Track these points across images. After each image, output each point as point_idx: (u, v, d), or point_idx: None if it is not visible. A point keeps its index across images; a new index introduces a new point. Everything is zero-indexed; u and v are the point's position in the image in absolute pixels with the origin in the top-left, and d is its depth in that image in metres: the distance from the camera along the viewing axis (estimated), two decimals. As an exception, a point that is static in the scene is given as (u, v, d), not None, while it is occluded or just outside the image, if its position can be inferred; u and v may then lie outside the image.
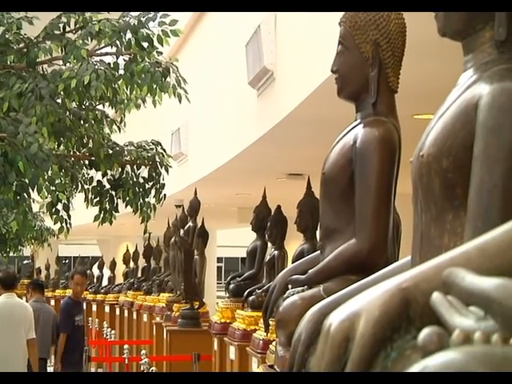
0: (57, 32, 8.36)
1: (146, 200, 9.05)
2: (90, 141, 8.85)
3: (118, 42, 8.12)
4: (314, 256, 3.47)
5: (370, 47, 3.14)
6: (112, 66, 8.08)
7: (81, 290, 10.09)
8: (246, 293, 7.43)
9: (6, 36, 8.32)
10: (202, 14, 13.14)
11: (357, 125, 3.17)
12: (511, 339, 0.90)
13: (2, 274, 9.64)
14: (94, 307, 18.99)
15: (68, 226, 8.97)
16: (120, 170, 9.08)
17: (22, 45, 8.32)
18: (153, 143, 9.43)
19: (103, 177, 9.14)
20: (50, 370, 10.56)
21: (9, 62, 8.08)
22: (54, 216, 8.98)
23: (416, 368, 0.83)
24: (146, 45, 8.06)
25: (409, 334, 1.16)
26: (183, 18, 11.27)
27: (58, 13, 8.39)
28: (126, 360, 11.58)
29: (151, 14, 8.18)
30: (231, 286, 8.75)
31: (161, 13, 8.20)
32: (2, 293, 9.22)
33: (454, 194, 1.90)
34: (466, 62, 1.99)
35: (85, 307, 11.48)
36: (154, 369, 9.73)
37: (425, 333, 0.96)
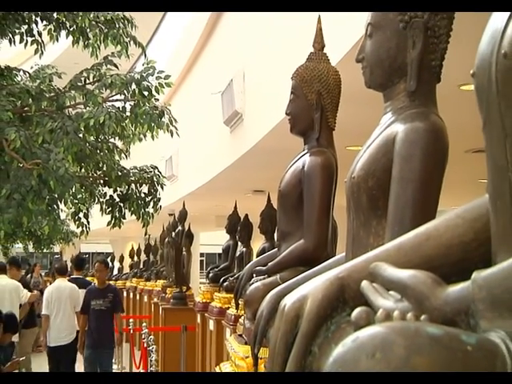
0: (79, 84, 8.34)
1: (146, 210, 9.01)
2: (104, 165, 8.82)
3: (125, 92, 8.11)
4: (272, 252, 3.46)
5: (314, 96, 3.14)
6: (121, 109, 8.06)
7: (100, 276, 9.13)
8: (221, 280, 7.40)
9: (41, 87, 8.28)
10: (189, 70, 13.14)
11: (304, 154, 3.16)
12: (421, 316, 0.90)
13: (58, 265, 10.26)
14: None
15: (87, 229, 8.93)
16: (127, 187, 9.04)
17: (52, 93, 8.28)
18: (151, 167, 9.40)
19: (114, 192, 9.09)
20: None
21: (43, 107, 8.03)
22: (77, 222, 8.96)
23: (349, 338, 0.82)
24: (146, 93, 8.05)
25: (344, 312, 1.16)
26: (174, 73, 11.23)
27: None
28: (131, 330, 11.51)
29: (151, 70, 8.17)
30: (210, 275, 8.71)
31: (158, 69, 8.20)
32: (58, 277, 9.81)
33: (377, 205, 1.90)
34: (385, 107, 2.00)
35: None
36: (152, 337, 9.66)
37: (356, 311, 0.95)
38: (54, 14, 7.96)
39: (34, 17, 8.21)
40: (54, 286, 9.59)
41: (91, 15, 7.76)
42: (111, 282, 18.93)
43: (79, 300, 9.10)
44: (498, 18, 0.99)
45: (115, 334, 8.95)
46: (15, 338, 8.99)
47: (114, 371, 10.48)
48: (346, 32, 4.71)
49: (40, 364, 10.66)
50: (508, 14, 0.95)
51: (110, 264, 22.29)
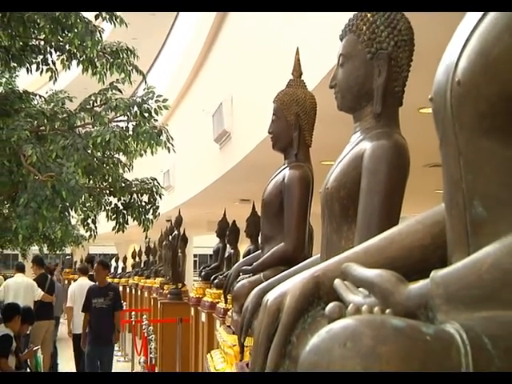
0: (88, 106, 8.35)
1: (147, 216, 8.98)
2: (110, 178, 8.79)
3: (128, 113, 8.10)
4: (257, 254, 3.46)
5: (293, 117, 3.15)
6: (124, 128, 8.05)
7: (98, 276, 8.76)
8: (212, 278, 7.38)
9: (55, 109, 8.27)
10: (184, 94, 13.14)
11: (284, 168, 3.17)
12: (386, 310, 0.90)
13: (81, 266, 10.35)
14: (112, 287, 18.71)
15: (95, 233, 8.91)
16: (129, 196, 9.02)
17: (64, 115, 8.26)
18: (151, 179, 9.38)
19: (118, 201, 9.07)
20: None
21: (56, 126, 8.01)
22: (86, 227, 8.94)
23: (324, 330, 0.82)
24: (146, 115, 8.05)
25: (319, 306, 1.15)
26: (171, 97, 11.23)
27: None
28: (133, 322, 11.46)
29: (151, 95, 8.18)
30: (202, 273, 8.68)
31: (157, 93, 8.21)
32: (81, 276, 10.08)
33: (347, 213, 1.90)
34: (355, 127, 2.00)
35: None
36: (151, 328, 9.62)
37: (330, 306, 0.95)
38: (67, 46, 7.96)
39: (48, 48, 8.23)
40: (77, 283, 9.89)
41: (99, 47, 7.76)
42: (115, 280, 18.96)
43: None
44: (451, 51, 1.00)
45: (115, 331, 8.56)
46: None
47: (117, 358, 10.43)
48: (321, 62, 4.73)
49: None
50: (460, 48, 0.96)
51: (115, 263, 22.25)
